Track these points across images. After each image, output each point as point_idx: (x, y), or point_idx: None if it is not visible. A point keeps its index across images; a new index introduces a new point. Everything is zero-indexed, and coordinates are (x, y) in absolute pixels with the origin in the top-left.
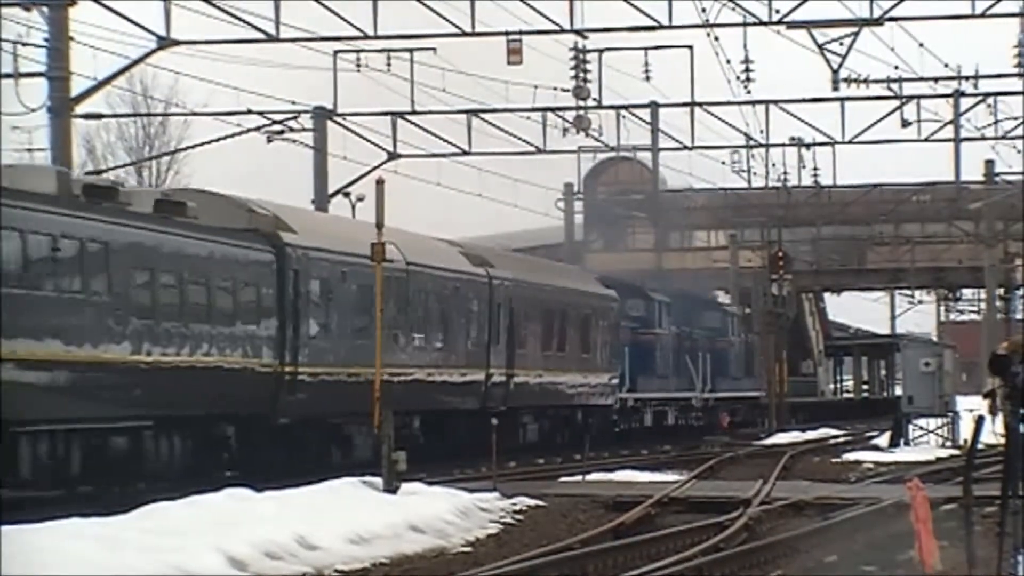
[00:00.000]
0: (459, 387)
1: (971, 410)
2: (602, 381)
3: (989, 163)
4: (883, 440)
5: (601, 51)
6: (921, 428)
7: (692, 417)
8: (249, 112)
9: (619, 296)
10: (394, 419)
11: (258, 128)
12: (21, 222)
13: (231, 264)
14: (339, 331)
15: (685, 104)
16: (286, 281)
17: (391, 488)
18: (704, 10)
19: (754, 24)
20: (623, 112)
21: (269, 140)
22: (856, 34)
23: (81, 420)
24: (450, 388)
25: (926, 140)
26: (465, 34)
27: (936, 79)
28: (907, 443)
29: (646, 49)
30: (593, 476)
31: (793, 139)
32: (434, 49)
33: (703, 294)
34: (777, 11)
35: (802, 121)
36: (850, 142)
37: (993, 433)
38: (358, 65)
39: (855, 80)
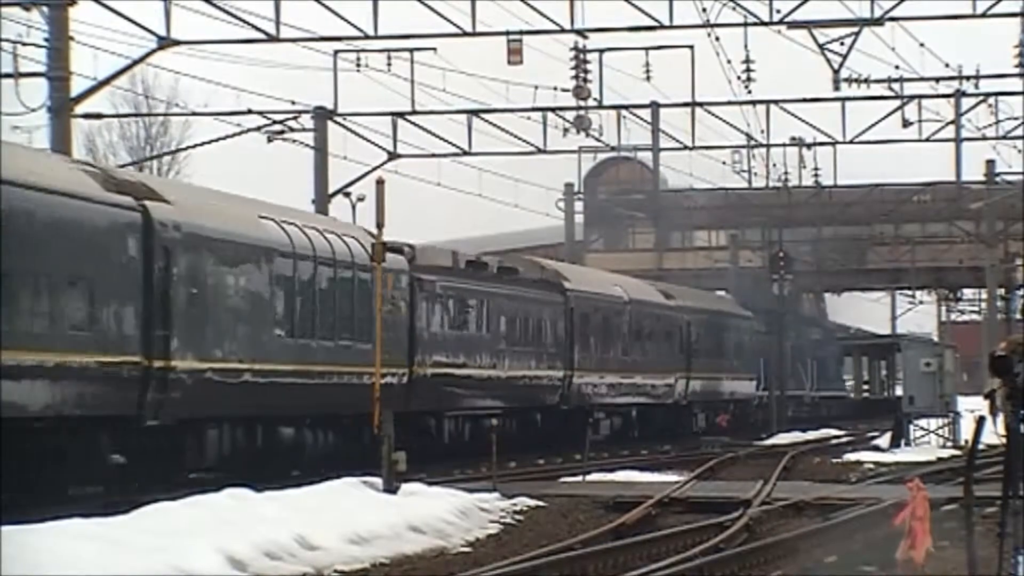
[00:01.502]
0: (659, 389)
1: (972, 410)
2: (748, 382)
3: (990, 163)
4: (884, 440)
5: (601, 51)
6: (922, 428)
7: (803, 411)
8: (249, 112)
9: (753, 316)
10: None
11: (258, 128)
12: (446, 288)
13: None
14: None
15: (686, 104)
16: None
17: (391, 488)
18: (705, 10)
19: (755, 24)
20: (623, 112)
21: (269, 140)
22: (857, 34)
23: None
24: (649, 390)
25: (927, 140)
26: (465, 34)
27: (937, 79)
28: (908, 443)
29: (646, 49)
30: (593, 476)
31: (794, 139)
32: (434, 49)
33: (807, 312)
34: (778, 11)
35: (803, 121)
36: (851, 142)
37: (995, 433)
38: (358, 65)
39: (856, 80)
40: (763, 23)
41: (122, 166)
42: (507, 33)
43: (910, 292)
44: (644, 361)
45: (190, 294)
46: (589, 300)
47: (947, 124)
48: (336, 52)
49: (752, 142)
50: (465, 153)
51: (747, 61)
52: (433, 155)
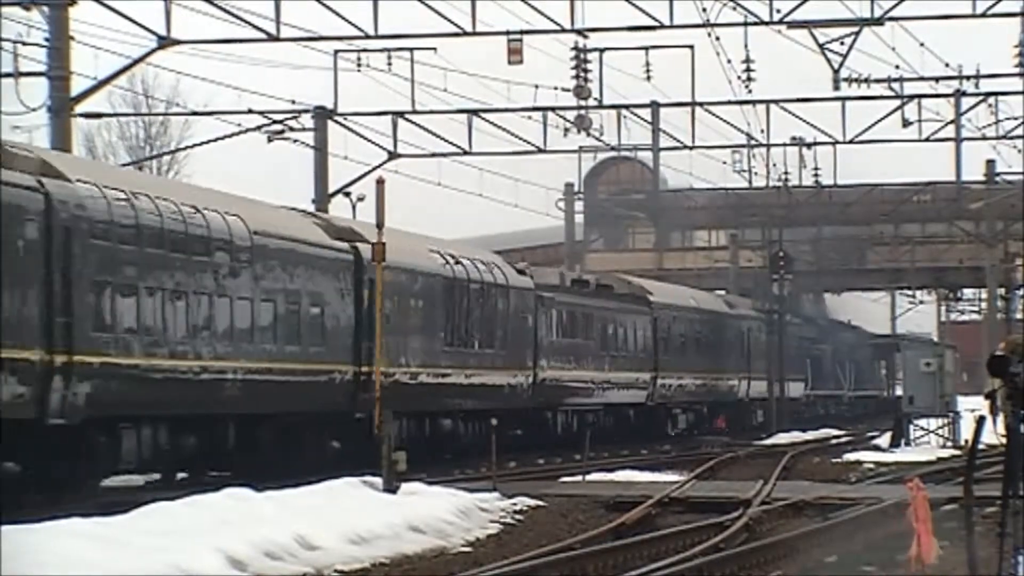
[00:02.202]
0: (726, 389)
1: (972, 410)
2: (798, 383)
3: (990, 163)
4: (884, 440)
5: (602, 51)
6: (922, 428)
7: (843, 408)
8: (250, 112)
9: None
10: None
11: (259, 128)
12: (560, 303)
13: None
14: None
15: (686, 104)
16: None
17: (391, 488)
18: (705, 10)
19: (755, 24)
20: (624, 112)
21: (270, 140)
22: (857, 34)
23: None
24: (719, 390)
25: (927, 140)
26: (466, 34)
27: (937, 79)
28: (908, 443)
29: (647, 49)
30: (593, 476)
31: (794, 139)
32: (435, 49)
33: (844, 319)
34: (778, 11)
35: (803, 121)
36: (851, 142)
37: (995, 433)
38: (359, 65)
39: (856, 80)
40: (763, 23)
41: (122, 166)
42: (507, 33)
43: (910, 292)
44: (714, 364)
45: (389, 314)
46: (669, 311)
47: (947, 124)
48: (336, 52)
49: (752, 142)
50: (465, 153)
51: (747, 61)
52: (433, 155)
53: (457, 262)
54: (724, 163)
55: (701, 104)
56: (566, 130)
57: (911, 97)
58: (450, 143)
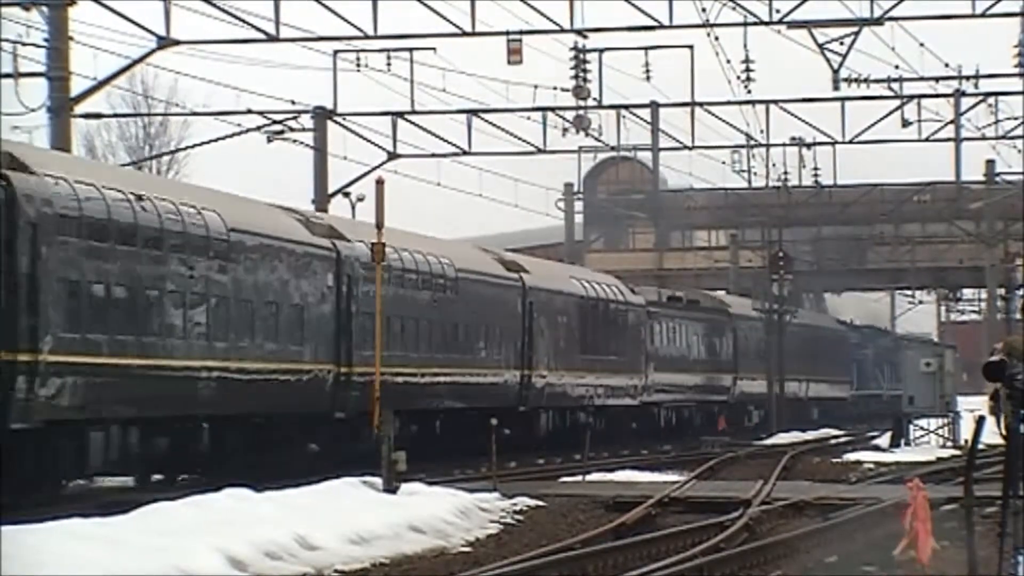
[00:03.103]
0: (793, 389)
1: (971, 410)
2: (845, 384)
3: (990, 163)
4: (884, 440)
5: (601, 51)
6: (922, 428)
7: (882, 405)
8: (249, 112)
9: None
10: None
11: (258, 128)
12: (662, 316)
13: None
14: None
15: (685, 104)
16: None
17: (391, 488)
18: (704, 10)
19: (754, 24)
20: (623, 112)
21: (269, 140)
22: (856, 34)
23: None
24: (787, 390)
25: (927, 140)
26: (465, 34)
27: (936, 79)
28: (908, 443)
29: (646, 49)
30: (593, 476)
31: (793, 139)
32: (434, 49)
33: (881, 325)
34: (777, 11)
35: (802, 121)
36: (850, 142)
37: (999, 433)
38: (358, 65)
39: (855, 80)
40: (763, 23)
41: (122, 166)
42: (507, 33)
43: (910, 292)
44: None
45: (545, 330)
46: (746, 321)
47: (947, 124)
48: (336, 52)
49: (752, 142)
50: (465, 153)
51: (747, 61)
52: (433, 155)
53: (590, 284)
54: (724, 163)
55: (701, 104)
56: (565, 130)
57: (911, 97)
58: (450, 143)
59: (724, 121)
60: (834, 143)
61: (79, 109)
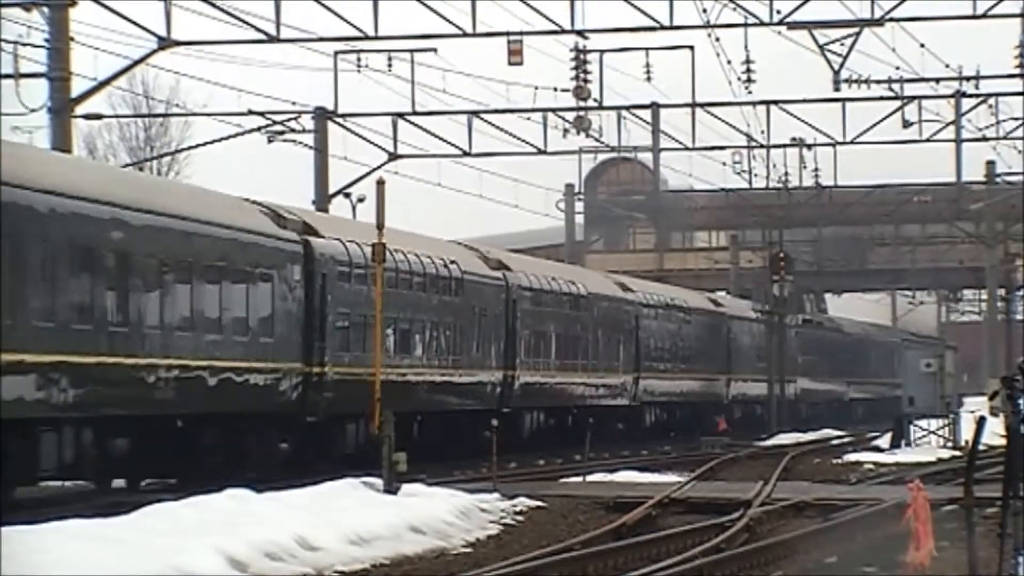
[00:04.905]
0: (838, 392)
1: (972, 411)
2: (890, 387)
3: (990, 164)
4: (884, 441)
5: (602, 51)
6: (922, 429)
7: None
8: (250, 113)
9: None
10: None
11: (259, 129)
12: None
13: None
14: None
15: (686, 105)
16: None
17: (391, 489)
18: (705, 11)
19: (755, 25)
20: (624, 113)
21: (270, 141)
22: (857, 35)
23: None
24: (834, 391)
25: (927, 141)
26: (466, 34)
27: (937, 80)
28: (908, 444)
29: (647, 49)
30: (594, 477)
31: (794, 140)
32: (435, 50)
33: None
34: (778, 12)
35: (803, 122)
36: (851, 143)
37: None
38: (359, 65)
39: (856, 81)
40: (763, 23)
41: (123, 166)
42: (507, 33)
43: (910, 293)
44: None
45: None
46: (810, 329)
47: (947, 125)
48: (336, 52)
49: (752, 143)
50: (465, 154)
51: (747, 61)
52: (433, 156)
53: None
54: (724, 164)
55: (701, 105)
56: (566, 131)
57: (911, 98)
58: (450, 144)
59: (725, 122)
60: (835, 144)
61: (80, 110)
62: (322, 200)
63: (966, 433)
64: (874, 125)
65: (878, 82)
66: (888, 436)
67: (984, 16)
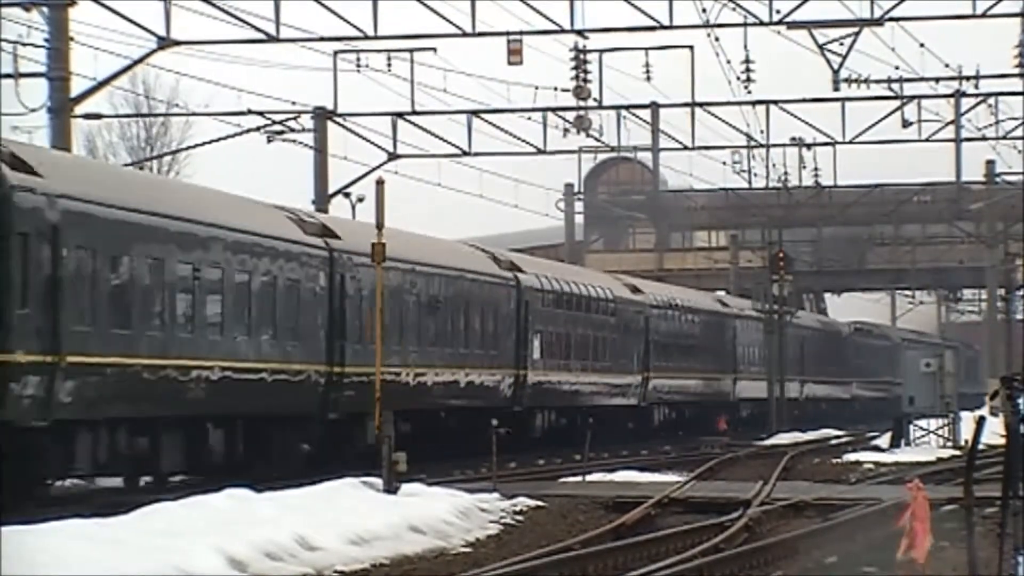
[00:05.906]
0: (857, 393)
1: (972, 411)
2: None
3: (990, 163)
4: (884, 441)
5: (601, 51)
6: (922, 429)
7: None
8: (249, 112)
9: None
10: None
11: (258, 128)
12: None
13: None
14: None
15: (686, 104)
16: None
17: (391, 488)
18: (704, 10)
19: (755, 24)
20: (623, 112)
21: (269, 140)
22: (857, 34)
23: None
24: (854, 392)
25: (927, 140)
26: (466, 34)
27: (937, 79)
28: (908, 444)
29: (647, 49)
30: (593, 477)
31: (794, 139)
32: (434, 49)
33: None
34: (778, 11)
35: (803, 121)
36: (851, 142)
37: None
38: (358, 65)
39: (856, 80)
40: (763, 23)
41: (124, 166)
42: (507, 33)
43: (910, 293)
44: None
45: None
46: (864, 335)
47: (947, 124)
48: (336, 52)
49: (752, 142)
50: (465, 154)
51: (747, 61)
52: (433, 155)
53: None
54: (724, 164)
55: (701, 105)
56: (566, 131)
57: (911, 98)
58: (450, 144)
59: (724, 121)
60: (834, 143)
61: (79, 109)
62: (322, 200)
63: (966, 433)
64: (874, 125)
65: (877, 82)
66: (888, 436)
67: (984, 16)
